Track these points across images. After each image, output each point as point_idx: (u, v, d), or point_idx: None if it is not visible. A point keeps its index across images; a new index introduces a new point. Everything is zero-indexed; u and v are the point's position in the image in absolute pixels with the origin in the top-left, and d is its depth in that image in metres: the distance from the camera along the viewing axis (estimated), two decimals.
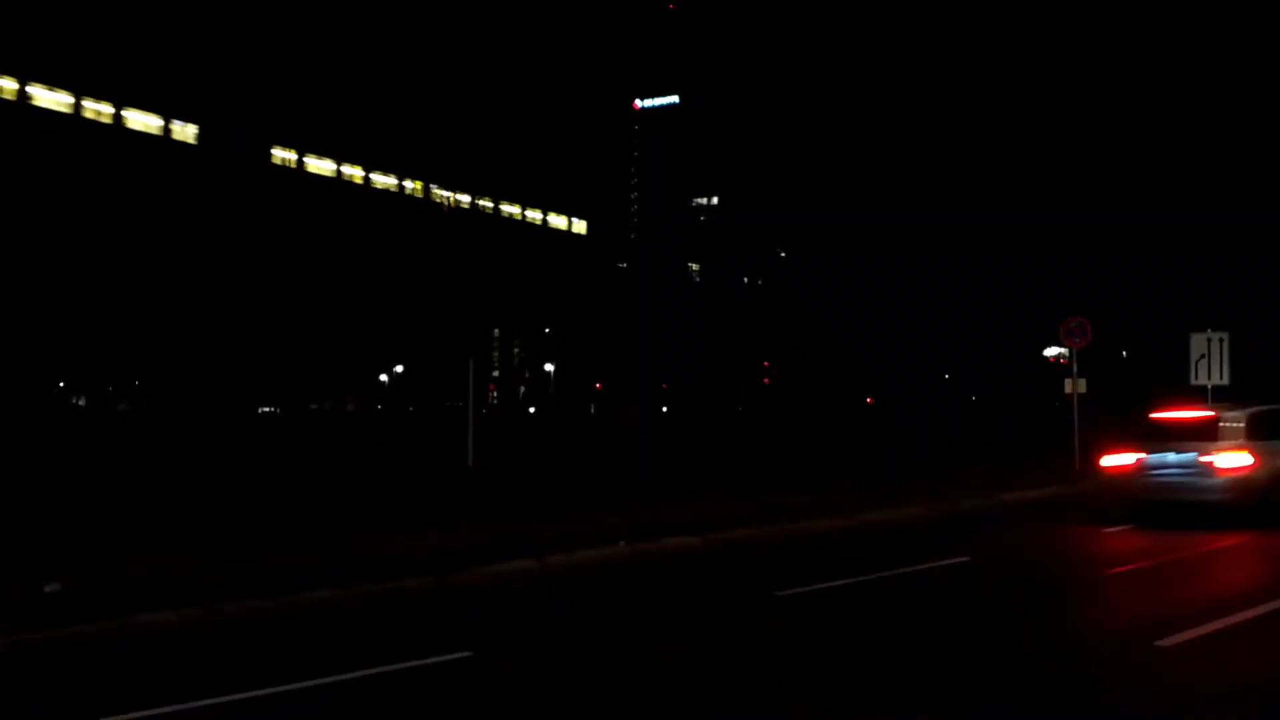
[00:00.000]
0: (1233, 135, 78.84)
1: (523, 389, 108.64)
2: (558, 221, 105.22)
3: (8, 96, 65.23)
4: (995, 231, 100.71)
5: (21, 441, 35.82)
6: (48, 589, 10.11)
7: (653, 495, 17.83)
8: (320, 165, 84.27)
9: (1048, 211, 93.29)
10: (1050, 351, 78.45)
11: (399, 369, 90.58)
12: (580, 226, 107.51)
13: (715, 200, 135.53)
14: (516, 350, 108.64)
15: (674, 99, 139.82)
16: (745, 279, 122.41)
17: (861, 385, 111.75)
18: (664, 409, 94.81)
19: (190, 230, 68.13)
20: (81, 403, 73.91)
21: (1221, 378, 25.83)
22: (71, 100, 68.38)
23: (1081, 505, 18.34)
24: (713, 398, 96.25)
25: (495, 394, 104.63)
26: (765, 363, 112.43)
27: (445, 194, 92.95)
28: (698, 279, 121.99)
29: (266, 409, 79.82)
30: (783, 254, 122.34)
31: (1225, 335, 26.12)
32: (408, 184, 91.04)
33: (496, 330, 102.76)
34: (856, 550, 13.69)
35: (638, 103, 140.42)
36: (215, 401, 70.36)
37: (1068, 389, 22.90)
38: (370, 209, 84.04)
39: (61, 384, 72.12)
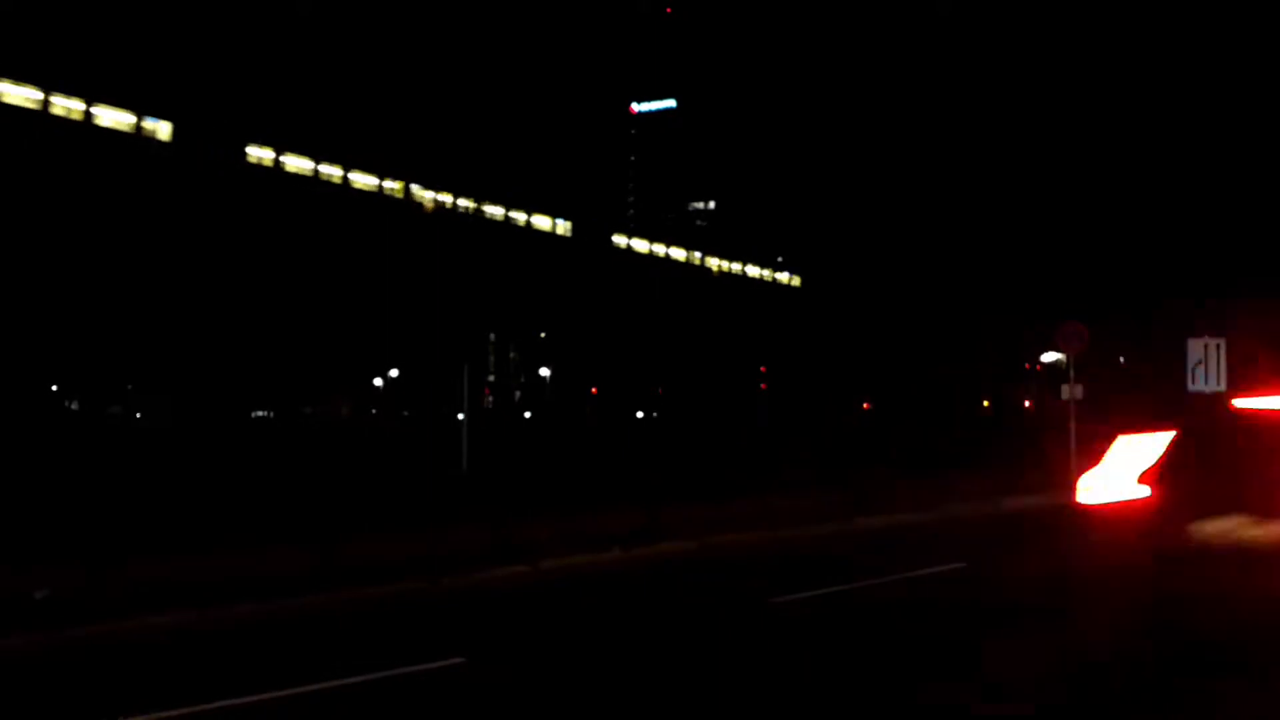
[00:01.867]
0: (1232, 133, 78.78)
1: (519, 393, 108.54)
2: (555, 225, 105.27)
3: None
4: (993, 229, 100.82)
5: (16, 439, 35.71)
6: (38, 595, 10.04)
7: (648, 499, 17.77)
8: (300, 164, 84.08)
9: (1045, 209, 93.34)
10: (1047, 357, 78.48)
11: (394, 373, 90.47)
12: (584, 232, 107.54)
13: (712, 204, 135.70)
14: (512, 355, 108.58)
15: (671, 103, 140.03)
16: (745, 281, 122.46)
17: (859, 386, 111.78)
18: (657, 412, 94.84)
19: (184, 234, 68.03)
20: (75, 406, 73.77)
21: (1219, 384, 25.85)
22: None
23: (1079, 511, 18.31)
24: (709, 399, 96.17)
25: (490, 398, 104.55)
26: (762, 367, 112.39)
27: (442, 197, 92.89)
28: (695, 280, 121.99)
29: (260, 413, 79.75)
30: (780, 258, 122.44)
31: (1222, 341, 26.17)
32: (397, 185, 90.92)
33: (492, 335, 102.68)
34: (853, 555, 13.65)
35: (634, 106, 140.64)
36: (209, 404, 70.26)
37: (1064, 395, 22.83)
38: (364, 210, 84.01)
39: (55, 387, 71.96)
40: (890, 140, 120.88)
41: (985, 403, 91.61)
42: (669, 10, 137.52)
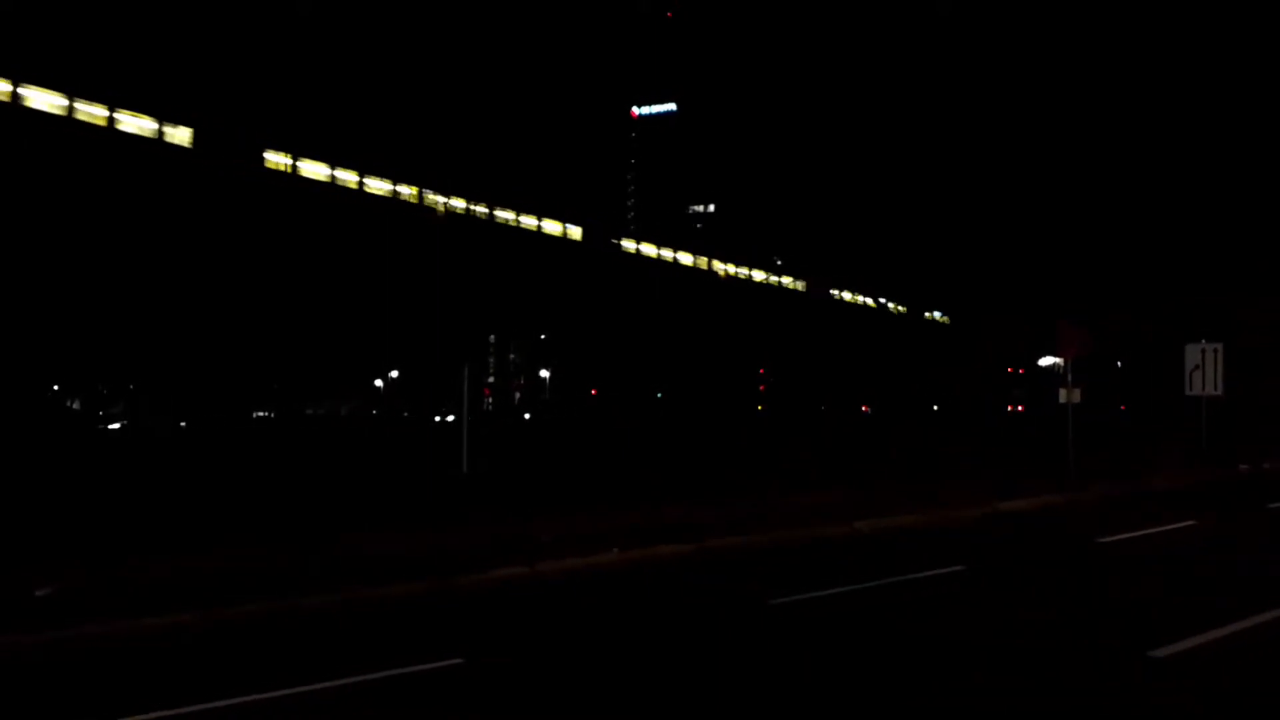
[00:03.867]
0: (1232, 131, 78.60)
1: (518, 394, 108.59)
2: (553, 228, 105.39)
3: None
4: (992, 230, 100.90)
5: (16, 440, 35.72)
6: (39, 593, 10.09)
7: (647, 500, 17.82)
8: (315, 170, 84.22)
9: (1042, 212, 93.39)
10: (1045, 361, 78.43)
11: (394, 374, 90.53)
12: (576, 233, 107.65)
13: (712, 208, 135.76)
14: (512, 356, 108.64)
15: (671, 106, 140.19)
16: (743, 284, 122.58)
17: (857, 389, 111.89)
18: (657, 414, 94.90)
19: (186, 238, 68.08)
20: (76, 405, 73.81)
21: (1216, 388, 25.93)
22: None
23: (1077, 514, 18.37)
24: (709, 400, 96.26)
25: (490, 399, 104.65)
26: (761, 369, 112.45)
27: (441, 199, 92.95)
28: (694, 284, 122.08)
29: (261, 413, 79.88)
30: (779, 260, 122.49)
31: (1219, 346, 26.25)
32: (403, 189, 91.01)
33: (492, 336, 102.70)
34: (852, 557, 13.69)
35: (635, 110, 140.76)
36: (211, 405, 70.35)
37: (1062, 398, 22.86)
38: (364, 213, 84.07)
39: (56, 387, 72.01)
40: (890, 142, 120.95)
41: (971, 405, 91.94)
42: (669, 15, 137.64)
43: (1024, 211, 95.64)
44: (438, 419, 62.42)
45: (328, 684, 7.81)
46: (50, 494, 19.50)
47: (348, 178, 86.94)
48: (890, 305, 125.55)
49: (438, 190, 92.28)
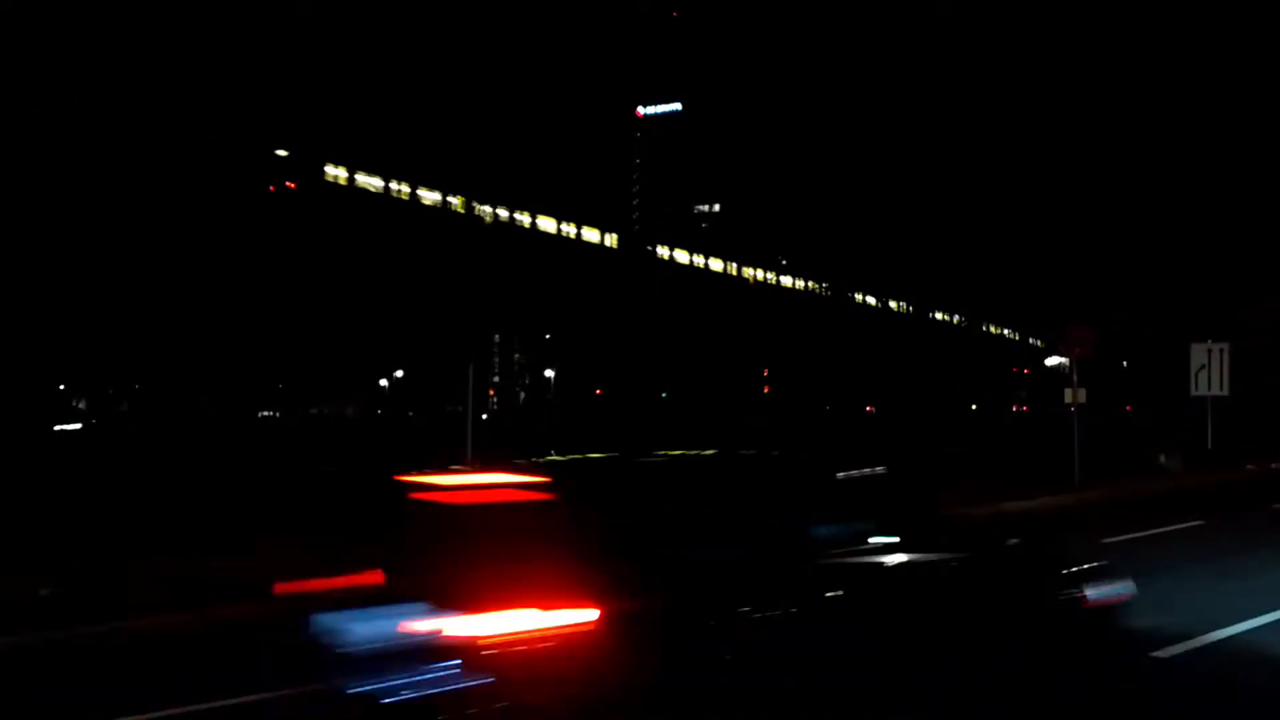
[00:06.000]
0: (1232, 131, 78.34)
1: (522, 394, 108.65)
2: (560, 228, 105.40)
3: None
4: (992, 231, 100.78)
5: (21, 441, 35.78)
6: (42, 592, 10.10)
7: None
8: (334, 172, 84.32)
9: (1046, 211, 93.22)
10: (1051, 361, 78.22)
11: (399, 374, 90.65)
12: (587, 234, 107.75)
13: (717, 207, 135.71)
14: (517, 356, 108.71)
15: (677, 106, 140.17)
16: (748, 284, 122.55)
17: (860, 389, 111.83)
18: (660, 411, 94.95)
19: (195, 240, 68.22)
20: (82, 405, 73.96)
21: (1221, 388, 25.85)
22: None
23: (1081, 514, 18.33)
24: (713, 400, 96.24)
25: (495, 398, 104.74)
26: (765, 370, 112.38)
27: (448, 199, 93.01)
28: (698, 284, 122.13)
29: (267, 413, 79.96)
30: (784, 260, 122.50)
31: (1225, 345, 26.16)
32: (405, 189, 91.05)
33: (497, 336, 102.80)
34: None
35: (641, 109, 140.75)
36: (216, 405, 70.47)
37: (1067, 398, 22.81)
38: (369, 213, 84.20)
39: (62, 386, 72.14)
40: (892, 142, 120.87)
41: (974, 406, 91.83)
42: (675, 14, 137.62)
43: (1024, 212, 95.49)
44: (443, 414, 62.51)
45: (328, 684, 7.79)
46: (49, 493, 19.51)
47: (366, 181, 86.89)
48: (894, 305, 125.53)
49: (443, 190, 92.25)
